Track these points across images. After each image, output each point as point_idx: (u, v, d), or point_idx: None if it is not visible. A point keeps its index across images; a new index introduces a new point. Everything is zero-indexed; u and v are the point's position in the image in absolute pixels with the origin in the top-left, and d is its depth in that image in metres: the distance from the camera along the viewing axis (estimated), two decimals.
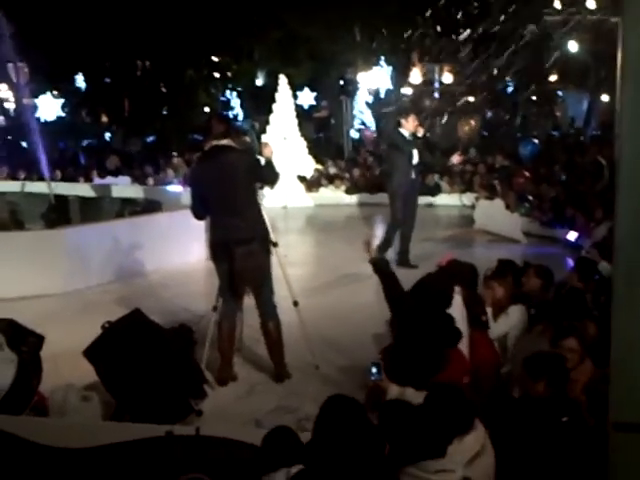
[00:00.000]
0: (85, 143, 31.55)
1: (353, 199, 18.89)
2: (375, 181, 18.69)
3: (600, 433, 3.70)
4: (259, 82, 31.39)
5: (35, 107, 30.05)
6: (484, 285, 6.56)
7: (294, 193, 19.12)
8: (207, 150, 6.86)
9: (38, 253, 10.22)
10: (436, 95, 28.96)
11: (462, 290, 5.89)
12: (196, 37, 27.09)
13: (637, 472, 3.42)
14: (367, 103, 29.06)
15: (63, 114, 32.94)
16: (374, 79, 28.85)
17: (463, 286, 5.94)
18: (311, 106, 30.94)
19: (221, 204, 6.64)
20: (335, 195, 19.43)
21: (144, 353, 5.87)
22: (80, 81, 33.08)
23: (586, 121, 26.31)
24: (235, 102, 31.76)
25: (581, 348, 5.11)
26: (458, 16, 24.80)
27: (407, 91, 28.73)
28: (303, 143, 20.66)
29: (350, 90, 29.14)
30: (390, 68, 29.02)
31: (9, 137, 25.87)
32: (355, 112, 28.78)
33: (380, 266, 5.77)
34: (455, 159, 11.49)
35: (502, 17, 21.76)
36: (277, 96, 20.74)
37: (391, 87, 29.07)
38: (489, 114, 28.56)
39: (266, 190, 8.07)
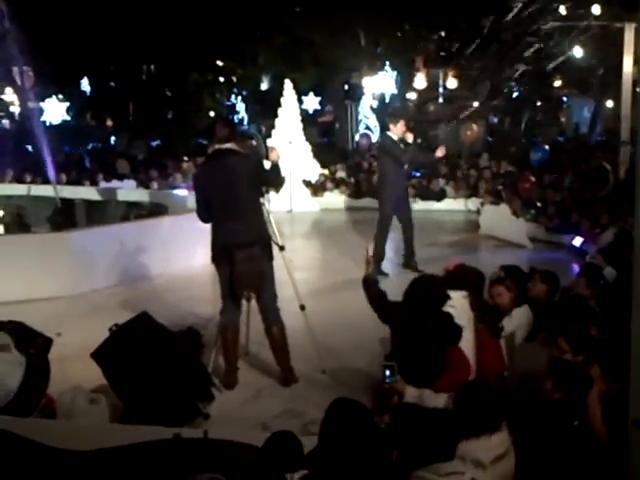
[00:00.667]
0: (90, 147, 31.61)
1: (358, 203, 18.89)
2: None
3: (613, 436, 3.70)
4: (264, 87, 31.43)
5: (40, 111, 30.15)
6: (489, 290, 6.56)
7: (299, 197, 19.14)
8: (211, 153, 6.89)
9: (44, 256, 10.24)
10: (440, 100, 29.05)
11: (469, 295, 5.90)
12: (201, 42, 27.15)
13: None
14: (372, 108, 29.08)
15: (68, 118, 33.00)
16: (379, 84, 28.87)
17: (470, 291, 5.95)
18: (316, 111, 30.95)
19: (224, 207, 6.64)
20: (340, 199, 19.45)
21: (152, 356, 5.87)
22: (85, 85, 33.17)
23: (591, 127, 26.32)
24: (240, 106, 31.80)
25: (583, 353, 5.10)
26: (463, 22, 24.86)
27: (412, 96, 28.81)
28: (308, 147, 20.69)
29: (355, 95, 29.17)
30: (395, 73, 29.03)
31: (14, 141, 25.89)
32: (360, 117, 28.78)
33: (369, 285, 5.84)
34: (439, 152, 11.58)
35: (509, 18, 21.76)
36: (282, 101, 20.79)
37: (396, 92, 29.09)
38: (494, 120, 28.59)
39: (272, 194, 8.09)
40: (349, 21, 25.95)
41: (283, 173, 7.10)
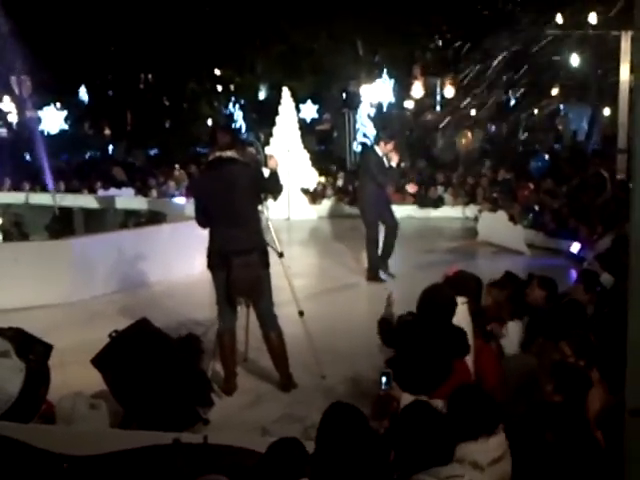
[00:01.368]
0: (88, 155, 31.65)
1: (356, 211, 18.89)
2: None
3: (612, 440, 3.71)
4: (262, 95, 31.47)
5: (38, 120, 30.18)
6: (485, 295, 6.58)
7: (297, 205, 19.17)
8: (211, 161, 6.94)
9: (43, 263, 10.28)
10: (438, 108, 29.14)
11: (468, 301, 5.92)
12: (199, 50, 27.19)
13: None
14: (369, 116, 29.12)
15: (66, 127, 33.03)
16: (376, 92, 28.92)
17: (469, 297, 5.96)
18: (313, 119, 30.98)
19: (222, 215, 6.67)
20: (338, 207, 19.47)
21: (151, 362, 5.90)
22: (83, 94, 33.18)
23: (588, 134, 26.40)
24: (238, 115, 31.84)
25: (585, 358, 5.12)
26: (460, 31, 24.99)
27: (409, 104, 28.86)
28: (306, 155, 20.71)
29: (352, 103, 29.19)
30: (392, 81, 29.10)
31: (12, 149, 25.94)
32: (358, 125, 28.82)
33: (384, 327, 5.88)
34: (411, 189, 12.29)
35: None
36: (280, 109, 20.83)
37: (393, 100, 29.16)
38: (492, 128, 28.67)
39: (270, 202, 8.14)
40: (347, 30, 26.02)
41: (282, 181, 7.14)
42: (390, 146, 11.40)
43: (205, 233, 6.87)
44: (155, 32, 26.56)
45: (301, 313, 7.41)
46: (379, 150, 11.39)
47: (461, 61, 24.85)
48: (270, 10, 25.73)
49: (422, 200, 18.72)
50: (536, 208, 14.92)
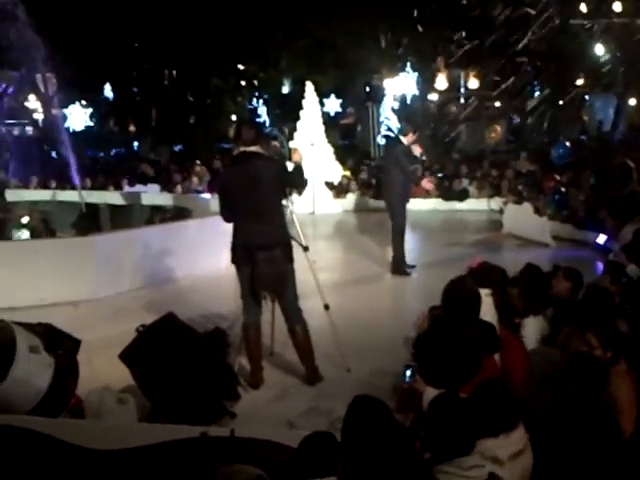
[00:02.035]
0: (113, 152, 31.84)
1: (380, 204, 18.88)
2: None
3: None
4: (285, 90, 31.49)
5: (64, 117, 30.40)
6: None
7: (322, 199, 19.17)
8: (235, 156, 6.95)
9: (70, 260, 10.34)
10: (462, 100, 29.00)
11: (493, 292, 5.89)
12: (222, 46, 27.25)
13: None
14: (393, 109, 29.04)
15: (92, 124, 33.24)
16: (400, 85, 28.82)
17: (494, 288, 5.94)
18: (337, 113, 30.98)
19: (246, 209, 6.69)
20: (362, 201, 19.46)
21: (178, 356, 5.92)
22: (108, 91, 33.39)
23: (614, 125, 26.17)
24: (262, 110, 31.89)
25: (612, 349, 5.07)
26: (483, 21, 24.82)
27: (433, 97, 28.73)
28: (330, 150, 20.72)
29: (376, 96, 29.12)
30: (416, 74, 28.99)
31: (39, 147, 26.14)
32: (381, 118, 28.75)
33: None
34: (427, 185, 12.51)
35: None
36: (304, 103, 20.85)
37: (417, 93, 29.05)
38: (516, 119, 28.48)
39: (295, 196, 8.14)
40: (370, 23, 25.97)
41: (306, 175, 7.15)
42: (412, 137, 11.39)
43: (231, 228, 6.89)
44: (179, 28, 26.64)
45: (327, 307, 7.42)
46: (404, 140, 11.39)
47: (485, 53, 24.71)
48: (293, 4, 25.71)
49: (447, 193, 18.66)
50: (561, 200, 14.82)
